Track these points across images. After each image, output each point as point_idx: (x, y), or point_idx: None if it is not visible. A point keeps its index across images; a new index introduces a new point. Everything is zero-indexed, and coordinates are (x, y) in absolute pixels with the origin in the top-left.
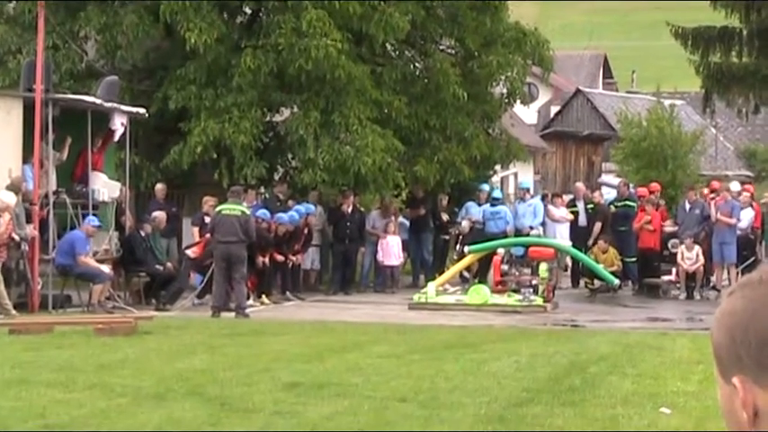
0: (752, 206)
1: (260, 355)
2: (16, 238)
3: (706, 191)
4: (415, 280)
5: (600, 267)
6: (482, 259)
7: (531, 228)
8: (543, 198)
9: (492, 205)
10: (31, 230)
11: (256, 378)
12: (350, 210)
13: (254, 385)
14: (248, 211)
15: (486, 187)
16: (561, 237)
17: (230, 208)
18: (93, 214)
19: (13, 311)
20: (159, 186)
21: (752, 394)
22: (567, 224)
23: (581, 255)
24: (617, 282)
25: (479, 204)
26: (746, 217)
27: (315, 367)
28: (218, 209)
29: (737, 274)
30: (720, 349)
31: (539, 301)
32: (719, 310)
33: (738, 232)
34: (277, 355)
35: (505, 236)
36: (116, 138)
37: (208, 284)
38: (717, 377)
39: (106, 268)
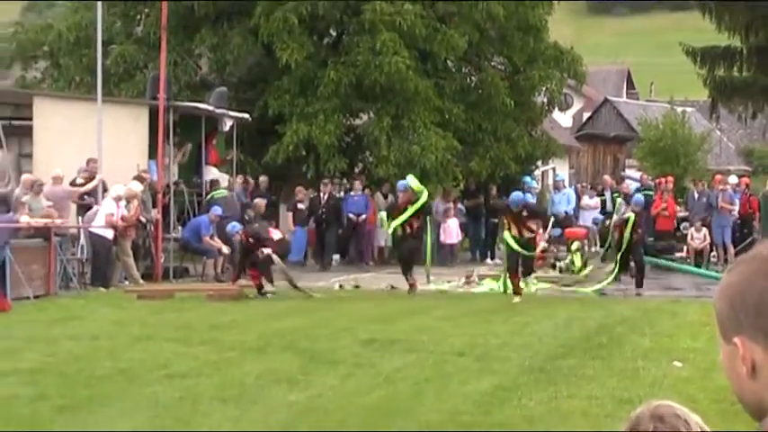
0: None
1: (342, 317)
2: (143, 220)
3: (721, 185)
4: (472, 255)
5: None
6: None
7: (566, 213)
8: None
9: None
10: (156, 214)
11: (339, 335)
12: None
13: (337, 341)
14: (228, 194)
15: (527, 179)
16: (586, 221)
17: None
18: (208, 201)
19: (141, 281)
20: (262, 178)
21: (750, 351)
22: (597, 210)
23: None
24: None
25: (523, 193)
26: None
27: (387, 327)
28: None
29: (735, 252)
30: (722, 315)
31: (573, 272)
32: (721, 283)
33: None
34: (356, 316)
35: None
36: (223, 130)
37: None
38: (719, 339)
39: (225, 248)
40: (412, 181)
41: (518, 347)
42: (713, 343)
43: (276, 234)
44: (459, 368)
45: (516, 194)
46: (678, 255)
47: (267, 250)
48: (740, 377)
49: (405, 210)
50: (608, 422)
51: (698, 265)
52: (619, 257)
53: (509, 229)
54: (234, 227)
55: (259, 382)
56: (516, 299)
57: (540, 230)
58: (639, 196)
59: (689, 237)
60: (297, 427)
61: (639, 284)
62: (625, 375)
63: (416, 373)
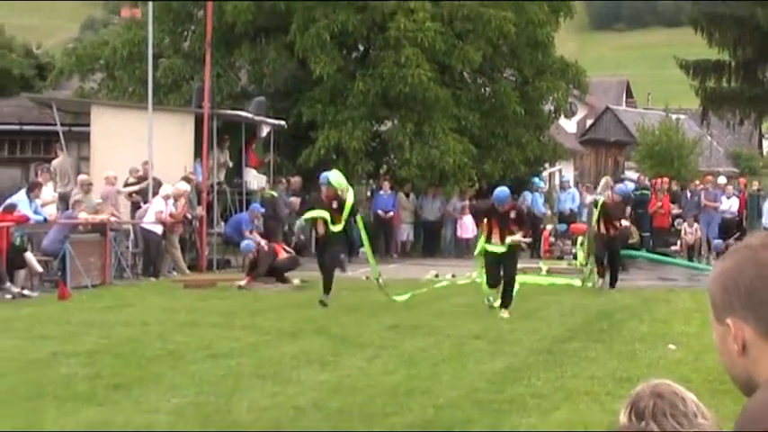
0: (736, 196)
1: (369, 304)
2: (189, 216)
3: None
4: None
5: None
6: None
7: (571, 210)
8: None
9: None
10: (201, 211)
11: (366, 321)
12: (433, 197)
13: (364, 326)
14: (276, 194)
15: (536, 180)
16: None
17: (268, 192)
18: (248, 200)
19: (187, 271)
20: (296, 179)
21: (741, 331)
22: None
23: None
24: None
25: (532, 193)
26: (734, 204)
27: (410, 313)
28: (262, 194)
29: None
30: (716, 298)
31: (577, 264)
32: (714, 270)
33: (729, 215)
34: (382, 304)
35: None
36: (261, 135)
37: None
38: (712, 321)
39: (264, 242)
40: (333, 177)
41: (528, 332)
42: (705, 328)
43: (284, 254)
44: (474, 350)
45: (501, 191)
46: (673, 248)
47: (242, 282)
48: (731, 355)
49: (328, 204)
50: (609, 399)
51: (690, 258)
52: (586, 249)
53: (488, 236)
54: (248, 245)
55: (293, 362)
56: (491, 297)
57: (521, 235)
58: (623, 186)
59: (682, 232)
60: (327, 404)
61: (612, 283)
62: (624, 357)
63: (436, 355)
